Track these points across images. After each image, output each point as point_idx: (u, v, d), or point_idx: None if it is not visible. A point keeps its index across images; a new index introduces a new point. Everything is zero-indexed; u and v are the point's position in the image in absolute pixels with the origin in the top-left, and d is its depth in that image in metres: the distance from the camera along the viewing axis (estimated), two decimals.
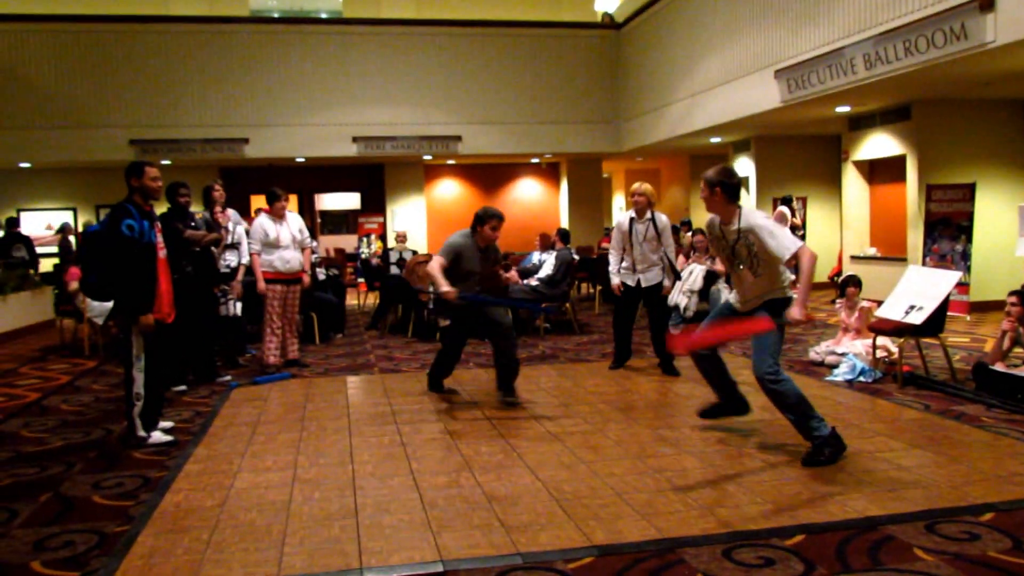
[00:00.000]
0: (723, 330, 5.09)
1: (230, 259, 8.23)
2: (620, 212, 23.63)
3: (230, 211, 8.67)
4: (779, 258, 4.67)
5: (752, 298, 4.90)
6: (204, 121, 15.90)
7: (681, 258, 10.36)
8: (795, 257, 4.64)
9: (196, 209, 8.50)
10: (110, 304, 5.84)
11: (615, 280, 7.63)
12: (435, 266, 6.32)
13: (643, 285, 7.53)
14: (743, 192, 16.16)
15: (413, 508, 4.17)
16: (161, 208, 6.95)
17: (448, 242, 6.47)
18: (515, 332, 6.53)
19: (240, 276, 8.26)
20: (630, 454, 5.04)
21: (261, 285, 7.80)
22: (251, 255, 7.90)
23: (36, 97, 15.14)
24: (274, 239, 7.84)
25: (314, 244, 8.43)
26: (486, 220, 6.46)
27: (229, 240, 8.14)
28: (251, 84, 16.07)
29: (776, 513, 3.98)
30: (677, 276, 9.52)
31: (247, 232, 8.27)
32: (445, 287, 6.18)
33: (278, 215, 7.96)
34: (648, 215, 7.46)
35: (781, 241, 4.67)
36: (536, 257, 11.44)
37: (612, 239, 7.74)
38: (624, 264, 7.60)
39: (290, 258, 7.90)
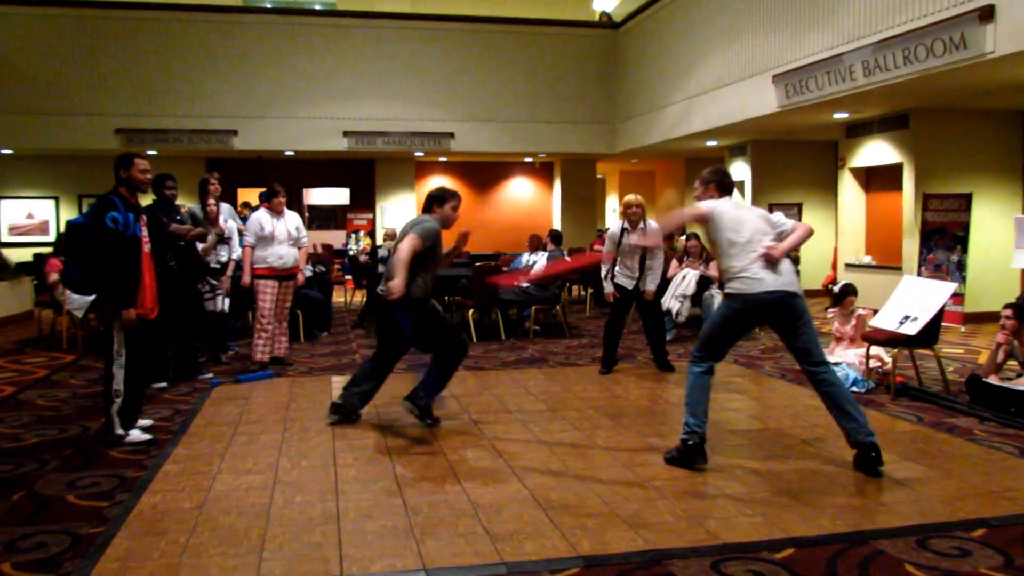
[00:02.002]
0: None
1: (221, 254, 8.19)
2: (614, 214, 23.70)
3: (224, 205, 8.63)
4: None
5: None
6: (192, 111, 15.82)
7: (674, 262, 10.36)
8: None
9: (182, 202, 8.46)
10: (90, 297, 5.79)
11: (608, 287, 7.77)
12: (407, 250, 5.51)
13: (639, 288, 7.71)
14: (737, 195, 16.18)
15: (396, 514, 4.14)
16: (146, 200, 6.89)
17: (423, 224, 5.69)
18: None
19: (229, 271, 8.24)
20: (619, 462, 5.02)
21: (246, 279, 7.78)
22: (244, 248, 7.86)
23: (19, 81, 15.00)
24: (270, 234, 7.81)
25: (307, 243, 8.39)
26: (447, 198, 5.88)
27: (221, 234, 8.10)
28: (242, 75, 15.99)
29: (766, 525, 3.97)
30: (665, 284, 9.63)
31: (239, 230, 8.24)
32: (400, 279, 5.41)
33: (276, 210, 7.94)
34: (641, 226, 7.62)
35: None
36: (526, 258, 11.42)
37: (604, 247, 7.91)
38: (618, 269, 7.76)
39: (284, 254, 7.87)
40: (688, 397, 4.97)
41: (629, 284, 7.74)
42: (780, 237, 4.96)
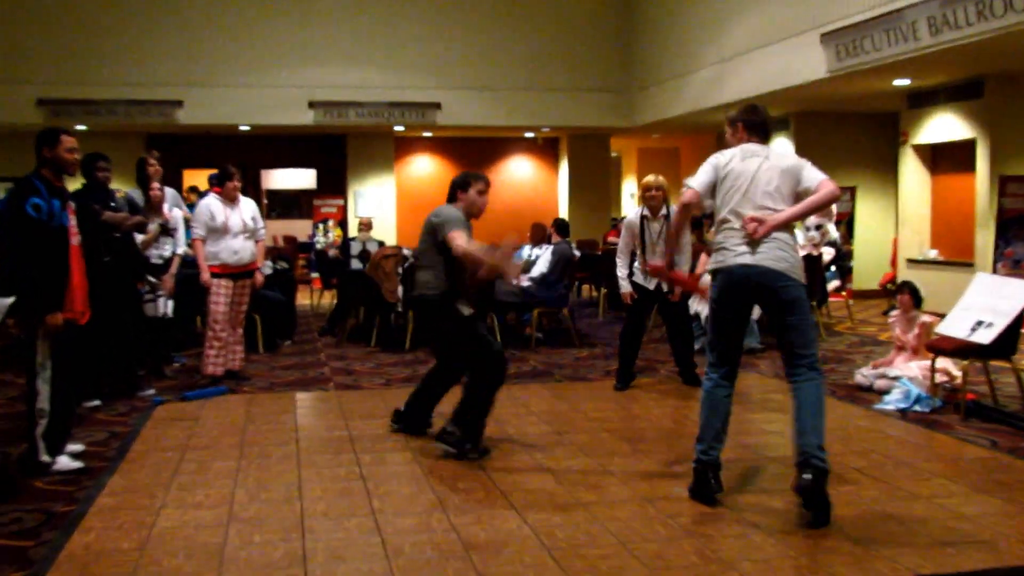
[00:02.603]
0: None
1: (164, 248, 8.20)
2: (631, 200, 23.74)
3: (168, 190, 8.65)
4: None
5: None
6: (129, 79, 15.83)
7: (703, 257, 10.39)
8: None
9: (117, 186, 8.48)
10: (8, 299, 5.81)
11: (625, 287, 7.80)
12: (465, 240, 5.64)
13: (664, 289, 7.75)
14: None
15: (374, 556, 4.17)
16: (74, 185, 6.91)
17: (451, 213, 5.82)
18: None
19: (174, 269, 8.24)
20: (637, 495, 5.05)
21: (206, 275, 7.78)
22: (194, 241, 7.87)
23: None
24: (222, 225, 7.82)
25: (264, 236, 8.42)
26: (473, 182, 5.98)
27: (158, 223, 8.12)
28: (187, 35, 16.02)
29: (811, 570, 4.00)
30: None
31: (186, 219, 8.26)
32: (497, 260, 5.53)
33: (229, 197, 7.95)
34: (663, 212, 7.68)
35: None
36: (527, 251, 11.45)
37: (621, 239, 7.96)
38: (637, 265, 7.84)
39: (240, 248, 7.88)
40: (700, 412, 4.99)
41: (650, 283, 7.79)
42: (800, 200, 4.82)
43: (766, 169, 4.81)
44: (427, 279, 5.88)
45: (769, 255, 4.66)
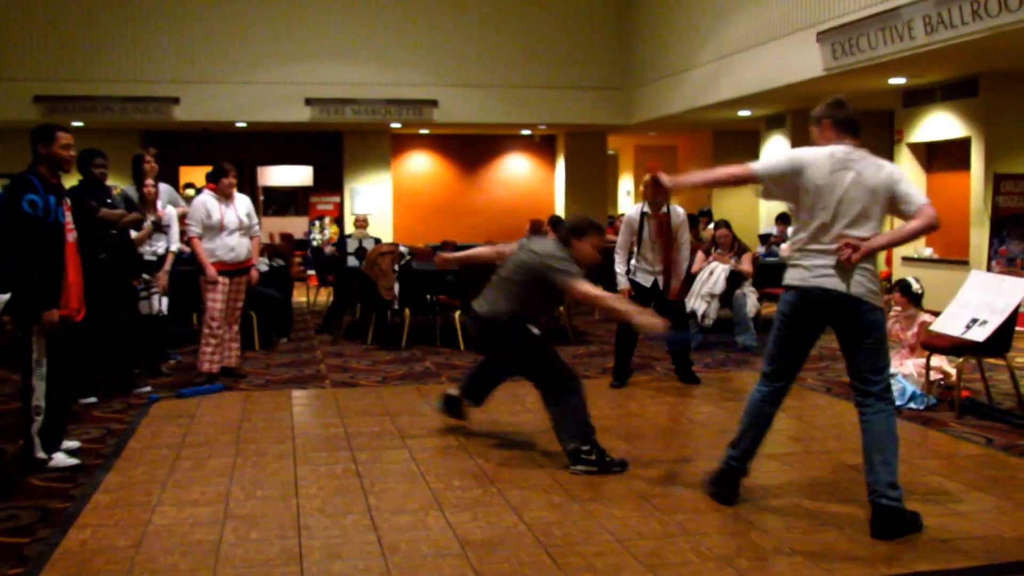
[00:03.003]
0: None
1: (157, 245, 8.19)
2: (628, 197, 23.74)
3: (163, 186, 8.64)
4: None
5: None
6: (126, 76, 15.81)
7: (700, 255, 10.39)
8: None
9: (114, 182, 8.46)
10: (4, 296, 5.80)
11: (623, 283, 7.78)
12: (592, 288, 5.49)
13: (661, 287, 7.75)
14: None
15: (370, 553, 4.17)
16: (71, 181, 6.90)
17: (564, 259, 5.49)
18: None
19: (168, 266, 8.23)
20: (633, 492, 5.05)
21: (211, 271, 7.73)
22: (191, 239, 7.86)
23: None
24: (217, 222, 7.80)
25: (259, 232, 8.42)
26: (590, 231, 5.68)
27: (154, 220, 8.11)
28: (184, 32, 16.00)
29: (808, 566, 4.00)
30: (690, 281, 9.67)
31: (180, 214, 8.25)
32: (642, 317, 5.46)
33: (224, 194, 7.94)
34: (664, 209, 7.65)
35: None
36: None
37: (620, 235, 7.92)
38: (635, 262, 7.81)
39: (235, 245, 7.87)
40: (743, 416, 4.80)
41: (647, 281, 7.79)
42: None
43: (856, 187, 4.42)
44: (501, 306, 5.64)
45: (851, 280, 4.39)
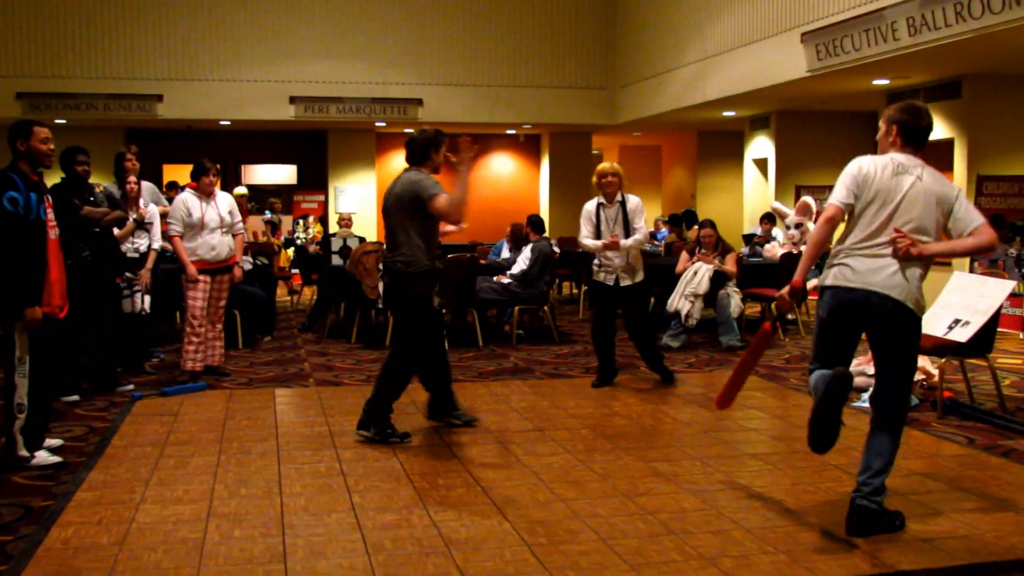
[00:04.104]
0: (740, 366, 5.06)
1: (139, 242, 8.17)
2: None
3: (145, 184, 8.61)
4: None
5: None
6: (109, 73, 15.75)
7: (684, 255, 10.43)
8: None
9: (96, 180, 8.44)
10: None
11: (595, 243, 7.67)
12: (448, 197, 5.86)
13: (621, 284, 7.67)
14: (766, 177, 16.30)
15: (354, 551, 4.17)
16: (53, 178, 6.87)
17: (429, 180, 5.98)
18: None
19: (150, 263, 8.20)
20: (618, 491, 5.06)
21: (191, 269, 7.72)
22: (172, 238, 7.83)
23: None
24: (198, 220, 7.78)
25: (243, 230, 8.39)
26: (439, 138, 6.15)
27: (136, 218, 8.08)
28: (167, 29, 15.93)
29: (791, 565, 4.02)
30: (674, 280, 9.72)
31: (163, 213, 8.22)
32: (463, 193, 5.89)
33: (205, 192, 7.91)
34: (618, 198, 7.72)
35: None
36: (505, 252, 11.49)
37: (581, 229, 7.88)
38: (596, 262, 7.78)
39: (217, 244, 7.85)
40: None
41: (609, 279, 7.72)
42: (949, 237, 4.45)
43: (917, 192, 4.39)
44: (405, 253, 5.97)
45: (897, 283, 4.31)
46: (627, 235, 7.61)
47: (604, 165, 7.79)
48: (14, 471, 5.34)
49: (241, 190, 15.95)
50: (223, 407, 7.11)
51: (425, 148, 6.07)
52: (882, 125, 4.62)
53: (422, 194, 5.84)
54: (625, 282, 7.67)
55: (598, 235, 7.70)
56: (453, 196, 5.79)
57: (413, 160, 6.11)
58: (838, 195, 4.48)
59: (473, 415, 6.61)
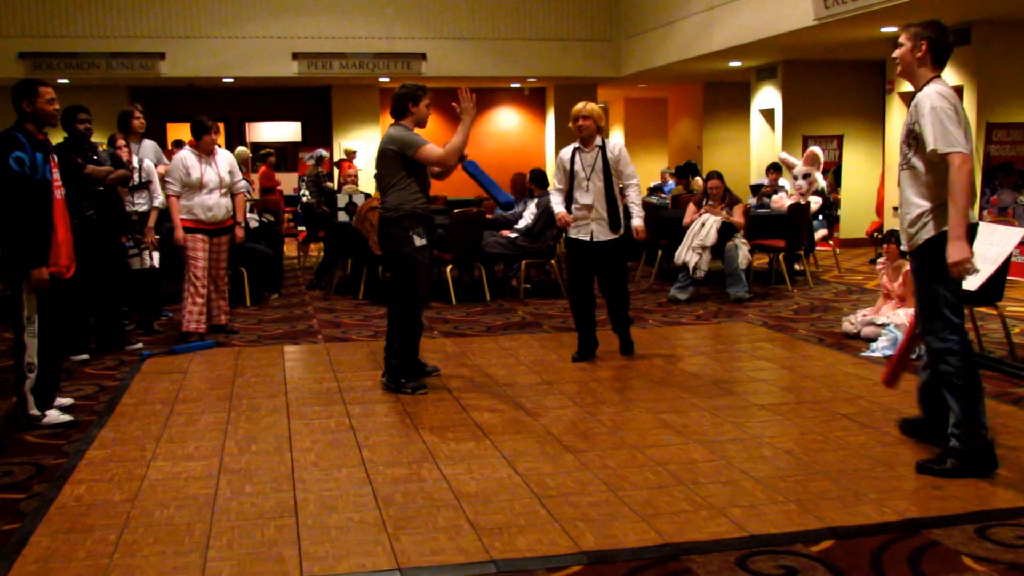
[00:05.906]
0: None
1: (139, 203, 8.11)
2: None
3: (148, 142, 8.55)
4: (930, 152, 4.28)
5: (904, 216, 4.53)
6: (111, 31, 15.64)
7: (691, 207, 10.37)
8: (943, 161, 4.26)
9: (99, 139, 8.39)
10: None
11: (559, 209, 7.03)
12: (437, 148, 6.28)
13: (595, 239, 6.94)
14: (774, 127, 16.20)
15: (365, 505, 4.18)
16: (55, 138, 6.84)
17: (411, 133, 6.31)
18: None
19: (152, 222, 8.15)
20: (627, 443, 5.07)
21: (179, 233, 7.69)
22: (169, 197, 7.78)
23: None
24: (196, 180, 7.70)
25: (246, 188, 8.33)
26: (418, 92, 6.39)
27: (137, 179, 8.03)
28: None
29: (800, 514, 4.03)
30: (681, 232, 9.61)
31: (161, 174, 8.18)
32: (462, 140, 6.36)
33: (206, 151, 7.83)
34: (597, 142, 6.91)
35: (937, 131, 4.29)
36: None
37: (553, 178, 7.24)
38: (574, 209, 6.99)
39: (213, 205, 7.75)
40: (966, 392, 4.47)
41: (584, 234, 6.94)
42: None
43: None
44: (392, 200, 6.21)
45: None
46: (608, 184, 6.82)
47: (578, 106, 6.95)
48: (26, 430, 5.37)
49: (242, 149, 15.89)
50: (232, 364, 7.12)
51: (404, 102, 6.28)
52: (906, 41, 4.49)
53: (407, 148, 6.13)
54: (600, 237, 6.91)
55: (572, 184, 6.93)
56: (451, 141, 6.16)
57: (395, 115, 6.36)
58: (960, 141, 4.27)
59: (435, 365, 6.74)
